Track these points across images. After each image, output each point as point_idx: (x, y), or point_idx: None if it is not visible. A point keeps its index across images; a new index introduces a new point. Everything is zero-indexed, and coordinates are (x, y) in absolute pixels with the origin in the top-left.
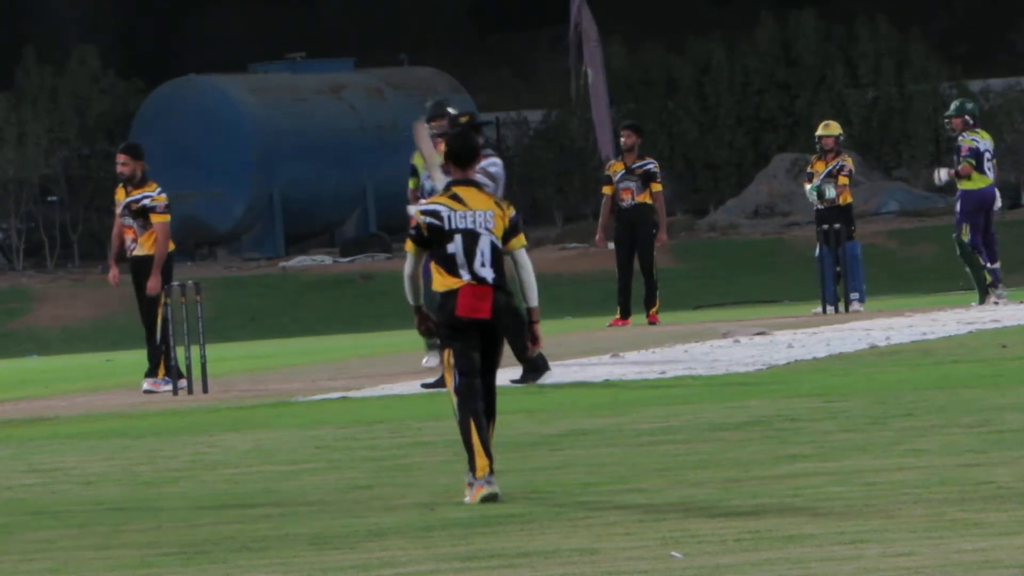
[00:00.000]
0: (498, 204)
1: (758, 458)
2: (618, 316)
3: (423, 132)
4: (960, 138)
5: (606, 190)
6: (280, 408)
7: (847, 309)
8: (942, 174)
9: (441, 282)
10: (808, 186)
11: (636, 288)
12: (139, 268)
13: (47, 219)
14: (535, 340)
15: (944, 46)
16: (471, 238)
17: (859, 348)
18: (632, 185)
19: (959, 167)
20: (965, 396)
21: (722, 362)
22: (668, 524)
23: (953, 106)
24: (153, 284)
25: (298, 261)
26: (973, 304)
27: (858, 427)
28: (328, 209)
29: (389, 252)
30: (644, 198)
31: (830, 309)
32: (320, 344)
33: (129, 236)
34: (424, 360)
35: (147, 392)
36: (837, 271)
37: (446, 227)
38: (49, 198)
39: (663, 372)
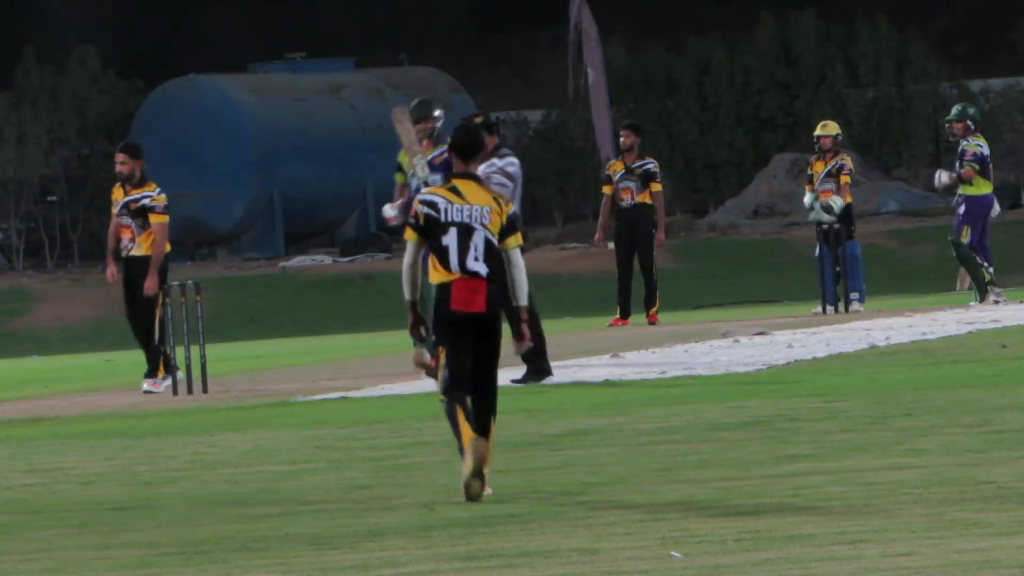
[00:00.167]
0: (496, 200)
1: (758, 458)
2: (618, 316)
3: (404, 118)
4: (965, 143)
5: (606, 190)
6: (280, 408)
7: (847, 309)
8: (943, 177)
9: (436, 275)
10: (807, 198)
11: (636, 288)
12: (136, 268)
13: (47, 219)
14: (521, 337)
15: (944, 46)
16: (465, 232)
17: (859, 348)
18: (632, 185)
19: (961, 171)
20: (965, 396)
21: (722, 362)
22: (668, 524)
23: (955, 110)
24: (150, 284)
25: (298, 261)
26: (973, 304)
27: (858, 427)
28: (328, 209)
29: (389, 252)
30: (644, 198)
31: (830, 309)
32: (320, 344)
33: (126, 236)
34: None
35: (147, 392)
36: (837, 271)
37: (442, 219)
38: (49, 198)
39: (663, 372)
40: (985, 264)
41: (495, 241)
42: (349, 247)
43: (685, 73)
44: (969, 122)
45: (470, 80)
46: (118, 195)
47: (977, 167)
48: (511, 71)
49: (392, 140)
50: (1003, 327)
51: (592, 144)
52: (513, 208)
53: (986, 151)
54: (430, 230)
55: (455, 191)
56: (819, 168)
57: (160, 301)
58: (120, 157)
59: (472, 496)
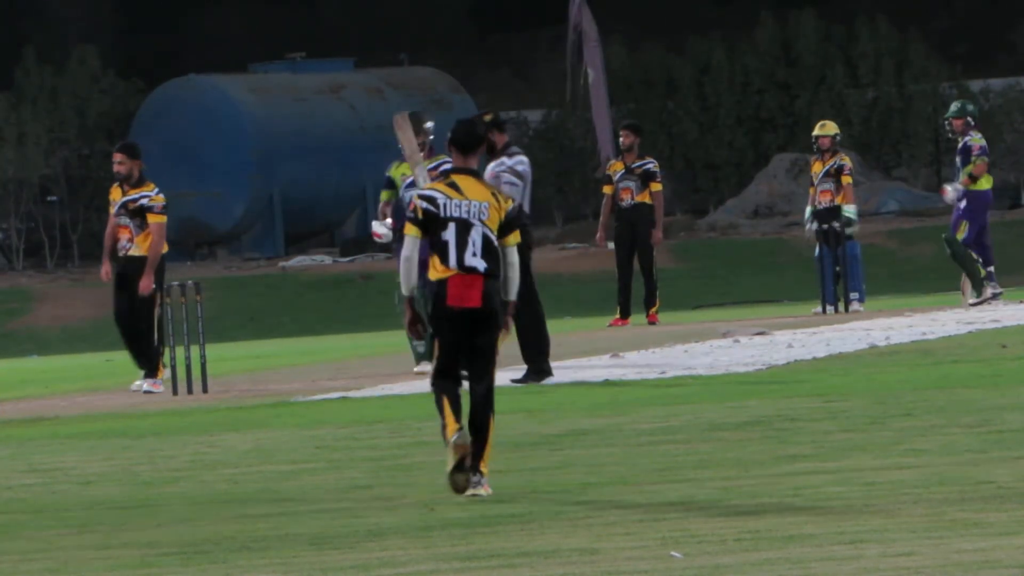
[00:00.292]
0: (495, 196)
1: (758, 458)
2: (618, 316)
3: (406, 125)
4: (967, 138)
5: (606, 190)
6: (280, 408)
7: (847, 309)
8: (952, 192)
9: (434, 271)
10: (806, 213)
11: (636, 288)
12: (133, 268)
13: (47, 219)
14: (506, 328)
15: (944, 46)
16: (464, 227)
17: (859, 348)
18: (632, 185)
19: (974, 168)
20: (965, 396)
21: (722, 362)
22: (668, 524)
23: (954, 107)
24: (145, 284)
25: (298, 261)
26: (971, 299)
27: (858, 427)
28: (328, 209)
29: (389, 252)
30: (644, 198)
31: (830, 309)
32: (320, 344)
33: (124, 235)
34: (416, 367)
35: (147, 392)
36: (837, 271)
37: (441, 214)
38: (49, 198)
39: (663, 372)
40: (982, 262)
41: (494, 237)
42: (349, 247)
43: (685, 73)
44: (968, 119)
45: (470, 80)
46: (116, 195)
47: (988, 159)
48: (511, 71)
49: (392, 140)
50: (1003, 327)
51: (592, 144)
52: (513, 204)
53: (986, 146)
54: (429, 225)
55: (454, 186)
56: (817, 168)
57: (159, 301)
58: (118, 157)
59: (458, 489)
